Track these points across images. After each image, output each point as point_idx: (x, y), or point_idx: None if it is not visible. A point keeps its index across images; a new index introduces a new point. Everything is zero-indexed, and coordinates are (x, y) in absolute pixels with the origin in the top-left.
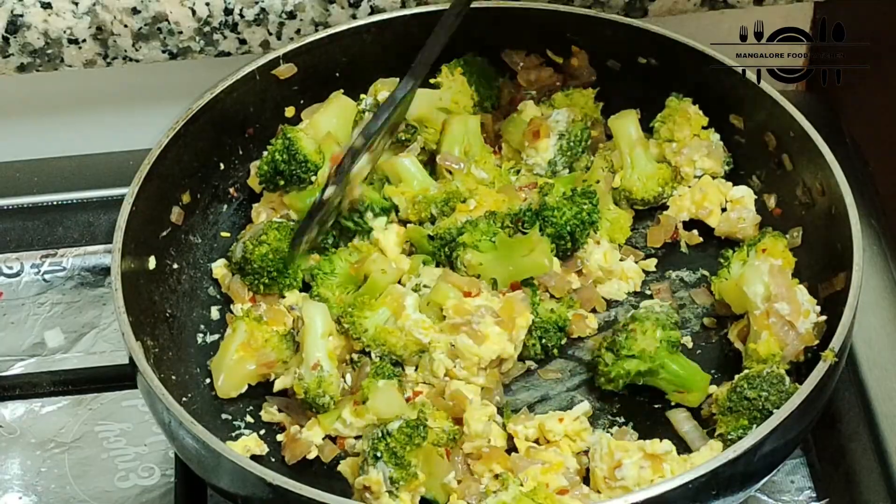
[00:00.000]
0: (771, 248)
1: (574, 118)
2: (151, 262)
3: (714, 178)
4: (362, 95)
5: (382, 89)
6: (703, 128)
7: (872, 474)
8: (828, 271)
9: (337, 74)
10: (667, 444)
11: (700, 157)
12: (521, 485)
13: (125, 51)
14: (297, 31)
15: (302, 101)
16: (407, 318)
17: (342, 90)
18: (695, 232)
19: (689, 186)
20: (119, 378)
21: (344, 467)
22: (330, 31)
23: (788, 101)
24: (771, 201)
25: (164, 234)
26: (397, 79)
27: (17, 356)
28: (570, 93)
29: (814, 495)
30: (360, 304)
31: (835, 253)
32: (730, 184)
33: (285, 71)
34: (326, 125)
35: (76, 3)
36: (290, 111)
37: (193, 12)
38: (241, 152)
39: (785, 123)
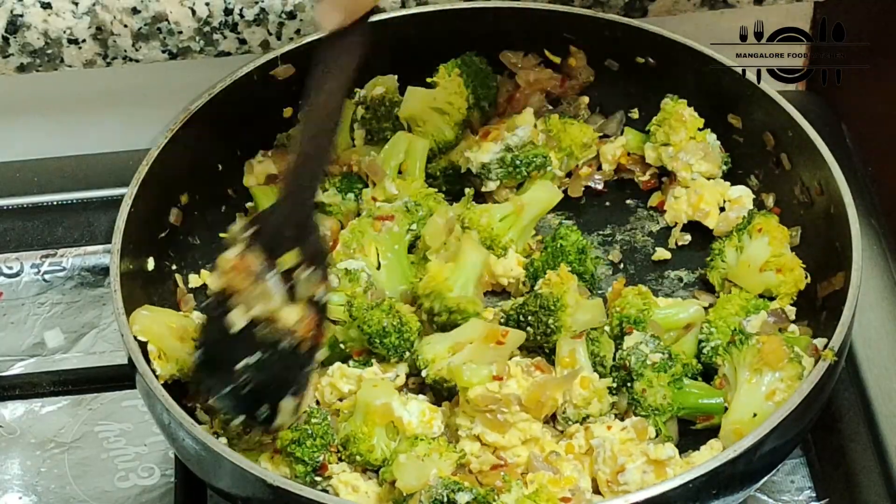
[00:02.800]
0: (766, 226)
1: (533, 141)
2: (150, 264)
3: (711, 178)
4: (357, 90)
5: (379, 85)
6: (700, 129)
7: (872, 474)
8: (827, 271)
9: None
10: (670, 449)
11: (696, 160)
12: (526, 485)
13: (125, 51)
14: (297, 32)
15: (300, 102)
16: (410, 427)
17: None
18: (686, 235)
19: (687, 188)
20: (119, 378)
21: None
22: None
23: (787, 101)
24: (769, 201)
25: (163, 235)
26: (395, 76)
27: (17, 356)
28: (568, 122)
29: (814, 495)
30: (356, 437)
31: (834, 252)
32: (727, 184)
33: (283, 72)
34: None
35: (76, 3)
36: (288, 112)
37: (193, 12)
38: (239, 153)
39: (783, 123)
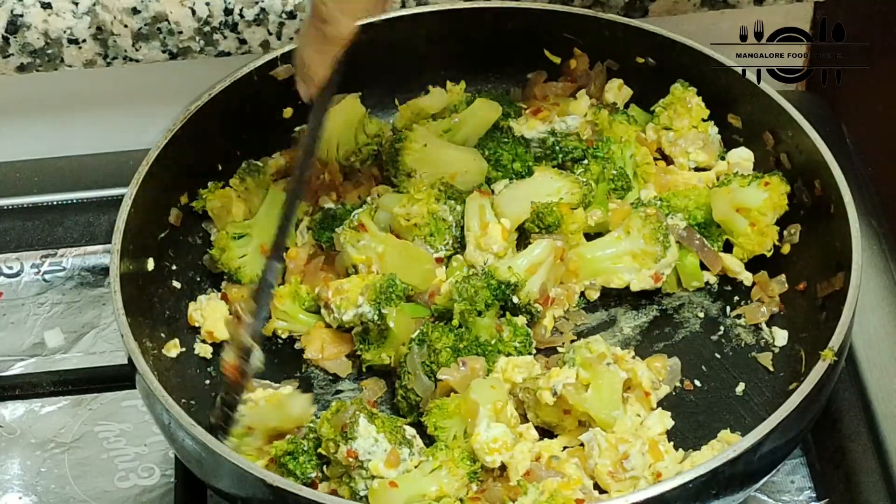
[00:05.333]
0: (774, 186)
1: (579, 133)
2: (150, 264)
3: (707, 169)
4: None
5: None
6: (703, 120)
7: (872, 474)
8: (827, 270)
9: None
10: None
11: (695, 149)
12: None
13: (125, 51)
14: (297, 31)
15: (299, 103)
16: (477, 438)
17: (339, 92)
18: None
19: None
20: (119, 378)
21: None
22: None
23: (787, 101)
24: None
25: (163, 235)
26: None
27: (17, 356)
28: (616, 119)
29: (814, 495)
30: (441, 407)
31: (834, 252)
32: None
33: (283, 72)
34: (330, 126)
35: (76, 3)
36: (287, 112)
37: (193, 12)
38: (238, 153)
39: (783, 123)
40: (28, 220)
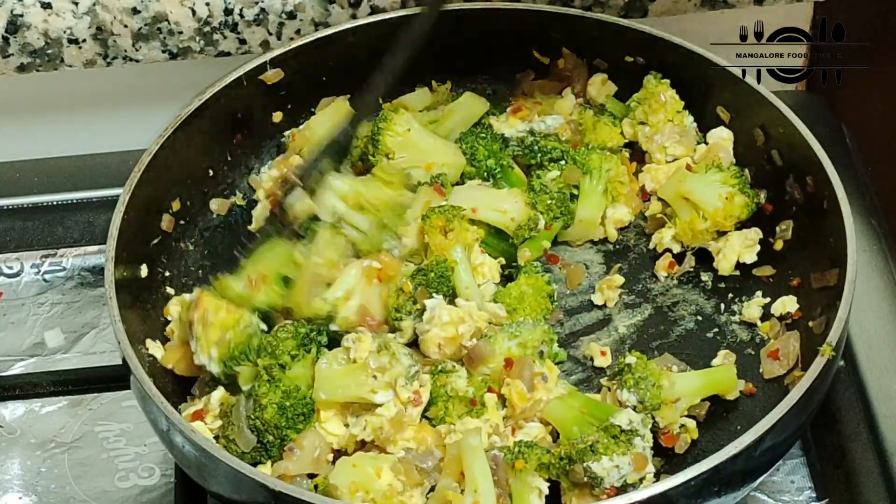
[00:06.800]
0: (735, 204)
1: (559, 134)
2: (143, 270)
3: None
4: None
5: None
6: (678, 111)
7: (872, 474)
8: (821, 266)
9: (324, 79)
10: None
11: (672, 143)
12: None
13: (125, 51)
14: (297, 31)
15: (289, 106)
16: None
17: (329, 95)
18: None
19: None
20: (118, 378)
21: None
22: (318, 34)
23: (783, 99)
24: (761, 197)
25: (155, 241)
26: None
27: (17, 356)
28: (601, 121)
29: (814, 495)
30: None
31: (828, 248)
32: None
33: (272, 76)
34: (321, 127)
35: (76, 3)
36: (277, 116)
37: (193, 12)
38: (229, 158)
39: (773, 119)
40: (28, 220)
